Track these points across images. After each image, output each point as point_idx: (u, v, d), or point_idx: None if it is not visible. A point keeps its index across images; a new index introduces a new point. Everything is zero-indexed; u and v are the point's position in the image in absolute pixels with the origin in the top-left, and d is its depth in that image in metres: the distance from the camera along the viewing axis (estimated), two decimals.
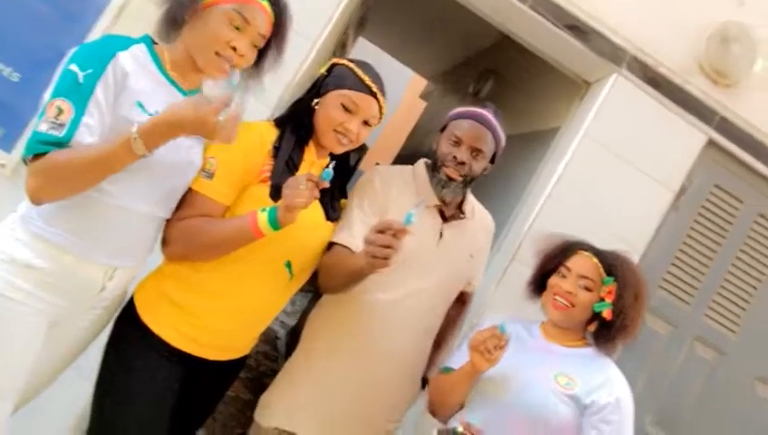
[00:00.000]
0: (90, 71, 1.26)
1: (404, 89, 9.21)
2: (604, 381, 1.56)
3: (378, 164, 1.90)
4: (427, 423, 1.76)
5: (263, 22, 1.44)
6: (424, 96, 8.20)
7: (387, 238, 1.34)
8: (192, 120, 1.21)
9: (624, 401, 1.54)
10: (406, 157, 7.07)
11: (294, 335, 3.82)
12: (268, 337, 4.00)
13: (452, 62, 6.08)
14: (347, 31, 3.27)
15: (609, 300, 1.60)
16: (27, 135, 1.96)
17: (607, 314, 1.60)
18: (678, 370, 2.62)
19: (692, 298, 2.61)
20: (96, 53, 1.29)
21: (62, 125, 1.23)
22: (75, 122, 1.24)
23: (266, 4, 1.45)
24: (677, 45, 2.51)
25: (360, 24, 4.04)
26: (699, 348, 2.64)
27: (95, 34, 2.05)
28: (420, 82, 8.54)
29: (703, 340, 2.63)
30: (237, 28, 1.40)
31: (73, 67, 1.26)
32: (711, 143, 2.55)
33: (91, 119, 1.25)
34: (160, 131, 1.23)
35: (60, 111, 1.23)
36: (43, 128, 1.23)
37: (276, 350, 3.99)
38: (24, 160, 1.27)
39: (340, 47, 3.44)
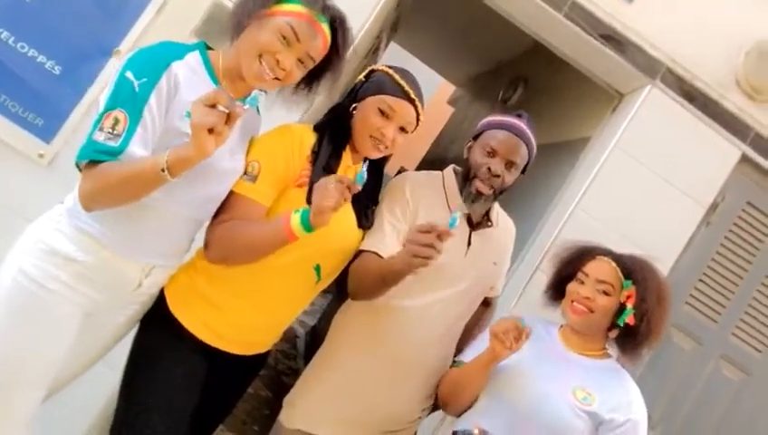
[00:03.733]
0: (145, 79, 1.28)
1: (431, 94, 9.21)
2: (626, 401, 1.55)
3: (402, 168, 1.89)
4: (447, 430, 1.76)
5: (315, 43, 1.41)
6: (451, 102, 8.18)
7: (431, 238, 1.34)
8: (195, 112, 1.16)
9: (641, 424, 1.54)
10: (431, 161, 7.06)
11: (314, 335, 3.85)
12: (287, 336, 4.03)
13: (481, 69, 6.06)
14: (380, 35, 3.28)
15: (629, 304, 1.57)
16: (67, 127, 2.06)
17: (630, 319, 1.57)
18: (702, 389, 2.58)
19: (719, 316, 2.57)
20: (151, 62, 1.31)
21: (117, 135, 1.26)
22: (130, 133, 1.26)
23: (325, 27, 1.43)
24: (714, 60, 2.48)
25: (392, 28, 4.05)
26: (725, 367, 2.59)
27: (136, 30, 2.09)
28: (448, 88, 8.53)
29: (729, 359, 2.59)
30: (286, 40, 1.38)
31: (129, 75, 1.28)
32: (745, 159, 2.52)
33: (144, 129, 1.28)
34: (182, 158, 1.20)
35: (116, 122, 1.26)
36: (100, 138, 1.26)
37: (295, 348, 4.01)
38: (78, 166, 1.30)
39: (373, 51, 3.45)
